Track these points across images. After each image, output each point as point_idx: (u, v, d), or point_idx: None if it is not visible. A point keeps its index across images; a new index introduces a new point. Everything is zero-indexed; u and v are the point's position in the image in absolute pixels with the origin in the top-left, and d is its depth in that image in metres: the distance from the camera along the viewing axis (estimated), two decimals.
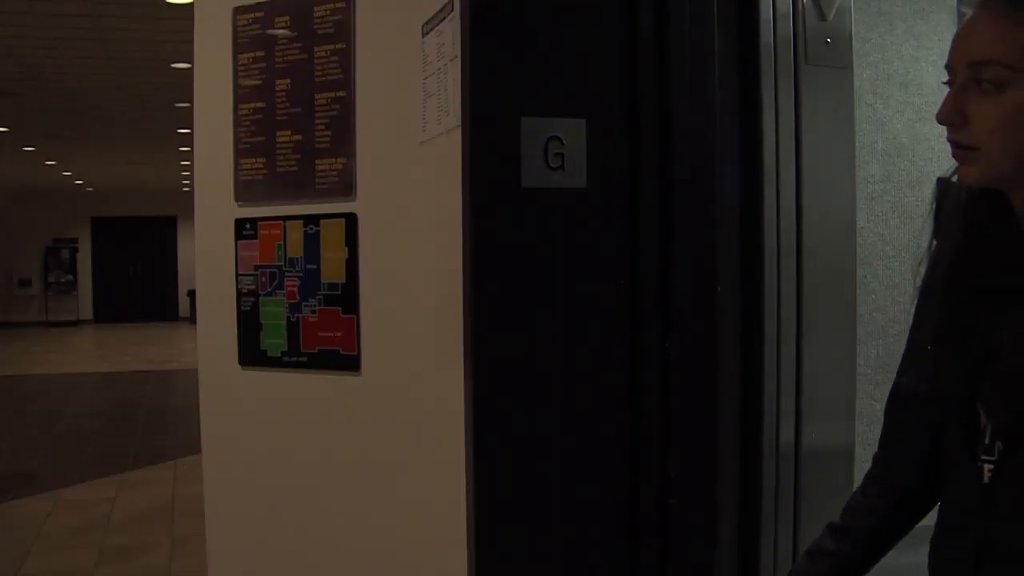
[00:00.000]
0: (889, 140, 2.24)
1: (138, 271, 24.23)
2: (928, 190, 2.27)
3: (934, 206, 1.36)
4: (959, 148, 1.22)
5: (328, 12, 2.20)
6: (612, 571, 1.89)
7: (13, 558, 5.48)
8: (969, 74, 1.18)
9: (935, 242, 1.36)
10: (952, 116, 1.21)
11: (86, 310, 23.72)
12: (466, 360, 1.82)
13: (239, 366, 2.38)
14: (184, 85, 8.14)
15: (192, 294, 21.55)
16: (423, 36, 1.99)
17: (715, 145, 1.85)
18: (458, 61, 1.80)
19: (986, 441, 1.24)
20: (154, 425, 9.92)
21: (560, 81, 1.82)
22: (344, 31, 2.18)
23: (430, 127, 1.96)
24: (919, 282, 1.36)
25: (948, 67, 1.21)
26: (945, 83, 1.21)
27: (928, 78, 2.28)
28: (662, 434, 1.85)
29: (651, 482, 1.86)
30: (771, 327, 1.87)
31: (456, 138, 1.81)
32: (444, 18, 1.86)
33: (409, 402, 2.08)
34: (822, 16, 1.91)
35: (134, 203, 23.43)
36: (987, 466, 1.24)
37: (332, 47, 2.19)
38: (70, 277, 23.52)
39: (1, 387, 10.82)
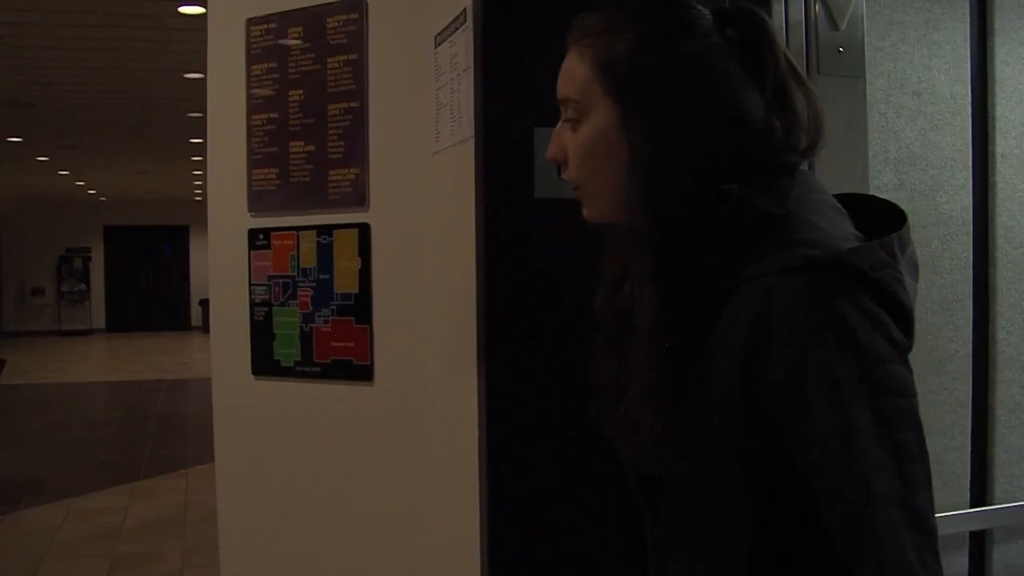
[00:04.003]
0: (901, 149, 2.24)
1: (150, 280, 24.29)
2: (941, 199, 2.27)
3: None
4: (574, 188, 1.24)
5: (341, 23, 2.21)
6: None
7: (26, 567, 5.50)
8: (562, 112, 1.22)
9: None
10: (555, 153, 1.24)
11: (98, 319, 23.79)
12: (479, 369, 1.82)
13: (252, 376, 2.39)
14: (196, 95, 8.19)
15: (204, 303, 21.62)
16: (436, 47, 1.99)
17: None
18: (471, 71, 1.80)
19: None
20: (166, 434, 9.94)
21: None
22: (357, 42, 2.19)
23: (443, 137, 1.96)
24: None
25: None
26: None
27: (940, 87, 2.27)
28: None
29: None
30: None
31: (469, 148, 1.82)
32: (457, 28, 1.87)
33: (422, 412, 2.09)
34: (834, 25, 1.91)
35: (146, 213, 23.52)
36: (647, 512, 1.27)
37: (345, 58, 2.20)
38: (83, 286, 23.60)
39: (14, 396, 10.85)
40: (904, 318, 1.04)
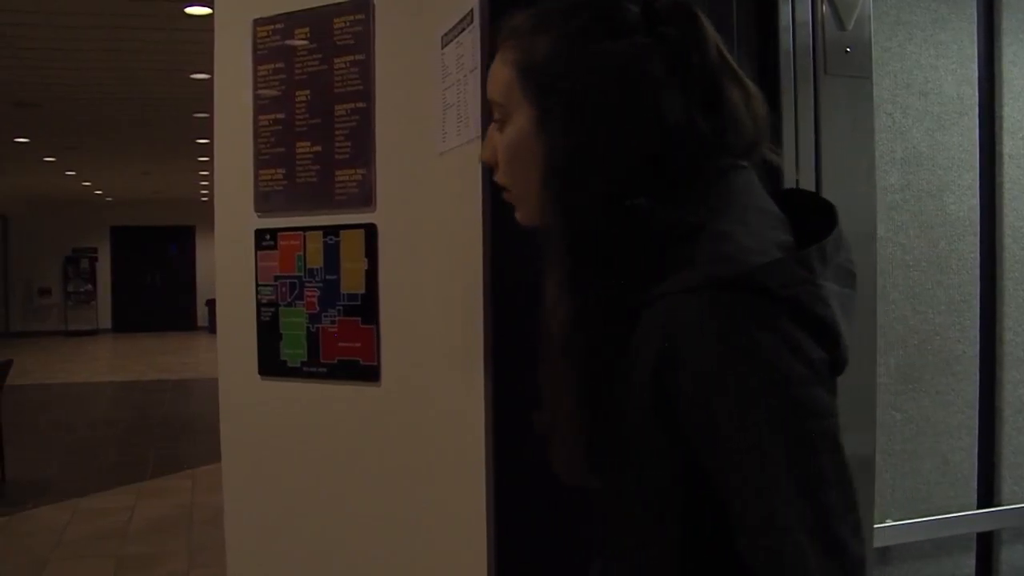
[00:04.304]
0: (908, 149, 2.24)
1: (156, 281, 24.33)
2: (948, 199, 2.27)
3: None
4: (504, 191, 1.23)
5: (347, 23, 2.21)
6: None
7: (32, 567, 5.51)
8: (493, 114, 1.21)
9: None
10: (488, 155, 1.23)
11: (105, 319, 23.84)
12: (486, 370, 1.82)
13: (259, 376, 2.39)
14: (202, 95, 8.21)
15: (210, 304, 21.68)
16: (442, 47, 1.99)
17: None
18: (478, 72, 1.80)
19: None
20: (172, 434, 9.96)
21: None
22: (363, 42, 2.19)
23: (449, 138, 1.96)
24: None
25: None
26: None
27: (947, 87, 2.27)
28: None
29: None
30: None
31: (476, 149, 1.81)
32: (463, 29, 1.87)
33: (429, 412, 2.09)
34: (841, 25, 1.91)
35: (152, 213, 23.57)
36: None
37: (352, 58, 2.20)
38: (89, 287, 23.65)
39: (21, 396, 10.87)
40: (827, 334, 1.00)
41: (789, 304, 0.97)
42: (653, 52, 1.09)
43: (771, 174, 1.87)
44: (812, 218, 1.12)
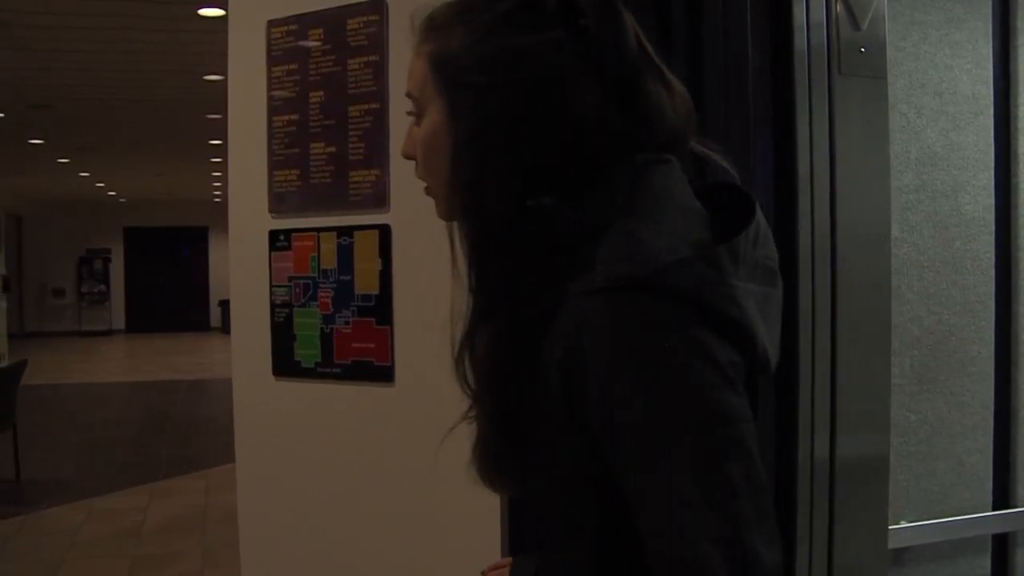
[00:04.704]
0: (923, 149, 2.23)
1: (169, 281, 24.39)
2: (963, 199, 2.26)
3: None
4: (425, 187, 1.21)
5: (361, 24, 2.21)
6: None
7: (47, 566, 5.53)
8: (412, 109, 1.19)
9: None
10: (408, 149, 1.21)
11: (118, 320, 23.91)
12: None
13: (273, 377, 2.40)
14: (216, 97, 8.22)
15: (223, 304, 21.72)
16: None
17: (749, 155, 1.84)
18: None
19: None
20: (185, 434, 9.99)
21: None
22: (377, 43, 2.19)
23: None
24: None
25: None
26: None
27: (962, 87, 2.26)
28: None
29: None
30: (805, 338, 1.86)
31: None
32: None
33: (443, 413, 2.08)
34: (856, 25, 1.90)
35: (166, 214, 23.63)
36: None
37: (365, 59, 2.21)
38: (103, 287, 23.72)
39: (35, 396, 10.92)
40: (739, 335, 0.97)
41: (694, 305, 0.95)
42: (567, 45, 1.06)
43: (781, 175, 1.87)
44: (742, 214, 1.09)
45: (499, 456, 1.13)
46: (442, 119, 1.12)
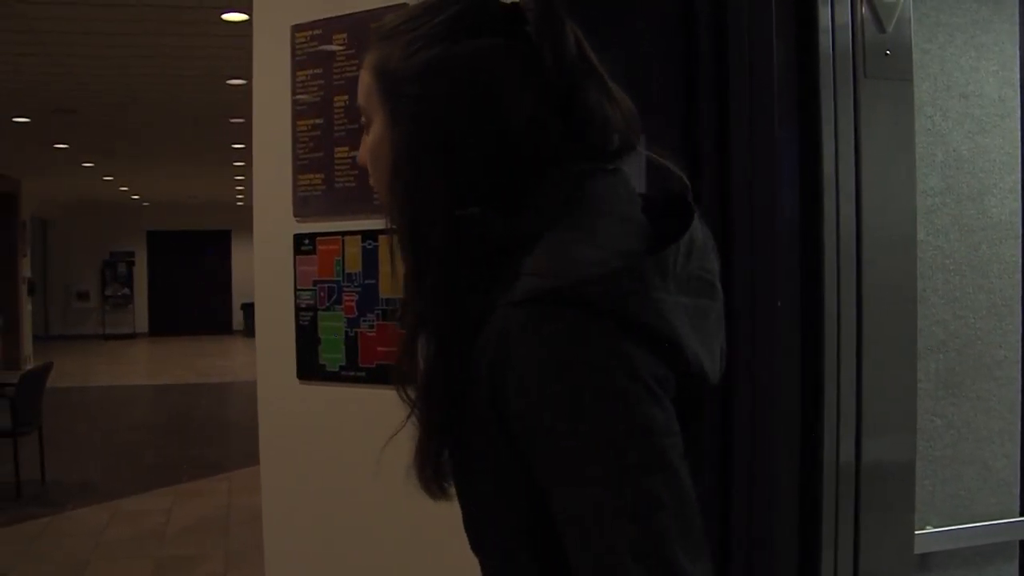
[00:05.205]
0: (948, 152, 2.22)
1: (192, 284, 24.50)
2: (989, 203, 2.25)
3: None
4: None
5: None
6: None
7: (73, 567, 5.57)
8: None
9: None
10: (361, 159, 1.20)
11: (142, 323, 24.04)
12: None
13: (297, 380, 2.41)
14: (239, 101, 8.25)
15: (246, 307, 21.80)
16: None
17: (774, 158, 1.84)
18: None
19: None
20: (208, 437, 10.04)
21: None
22: None
23: None
24: None
25: None
26: None
27: (988, 89, 2.25)
28: (722, 450, 1.84)
29: (710, 498, 1.85)
30: (831, 342, 1.85)
31: None
32: None
33: None
34: (881, 28, 1.90)
35: (189, 217, 23.74)
36: None
37: None
38: (126, 291, 23.85)
39: (60, 398, 10.99)
40: (666, 348, 0.96)
41: (616, 318, 0.94)
42: (504, 53, 1.06)
43: (807, 178, 1.86)
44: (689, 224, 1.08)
45: (436, 463, 1.14)
46: (384, 129, 1.13)
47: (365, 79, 1.15)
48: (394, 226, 1.13)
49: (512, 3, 1.10)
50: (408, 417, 1.15)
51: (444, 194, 1.06)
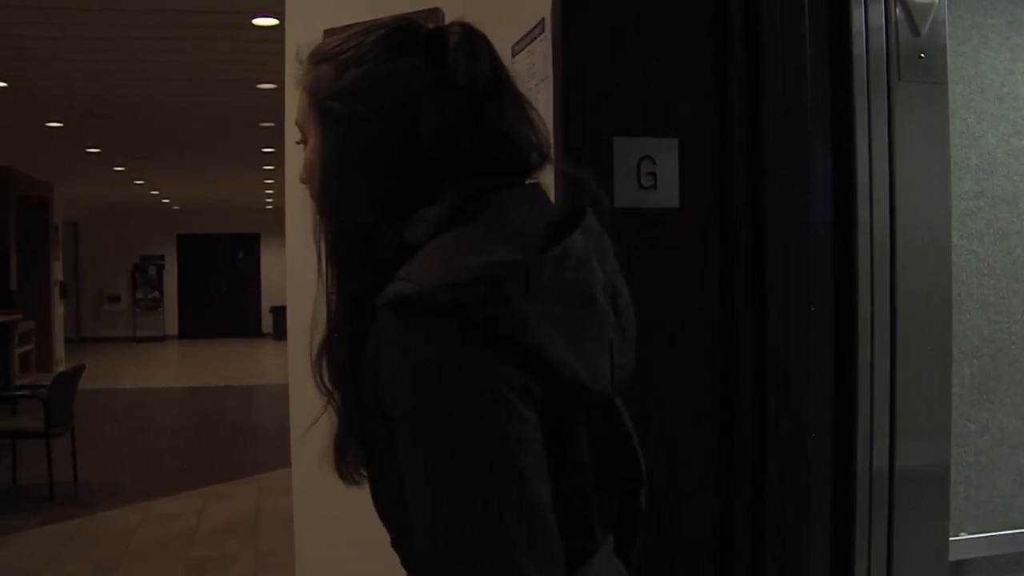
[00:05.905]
0: (983, 155, 2.20)
1: (222, 287, 24.63)
2: None
3: None
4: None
5: None
6: None
7: (104, 569, 5.62)
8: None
9: None
10: (301, 175, 1.26)
11: (172, 326, 24.19)
12: None
13: None
14: (269, 105, 8.26)
15: (275, 311, 21.89)
16: (513, 56, 2.00)
17: (808, 162, 1.83)
18: (549, 81, 1.81)
19: None
20: (238, 439, 10.09)
21: (652, 100, 1.82)
22: None
23: None
24: None
25: None
26: None
27: (1023, 91, 2.23)
28: (756, 455, 1.83)
29: (745, 504, 1.84)
30: (865, 346, 1.84)
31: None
32: (535, 38, 1.87)
33: None
34: (916, 30, 1.88)
35: (219, 221, 23.89)
36: None
37: None
38: (156, 294, 24.02)
39: (91, 400, 11.07)
40: (529, 357, 0.98)
41: (472, 324, 0.97)
42: (422, 73, 1.13)
43: (841, 182, 1.85)
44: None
45: (346, 451, 1.19)
46: (315, 145, 1.20)
47: (301, 100, 1.22)
48: (323, 234, 1.20)
49: (436, 28, 1.19)
50: (324, 409, 1.21)
51: (358, 205, 1.13)
